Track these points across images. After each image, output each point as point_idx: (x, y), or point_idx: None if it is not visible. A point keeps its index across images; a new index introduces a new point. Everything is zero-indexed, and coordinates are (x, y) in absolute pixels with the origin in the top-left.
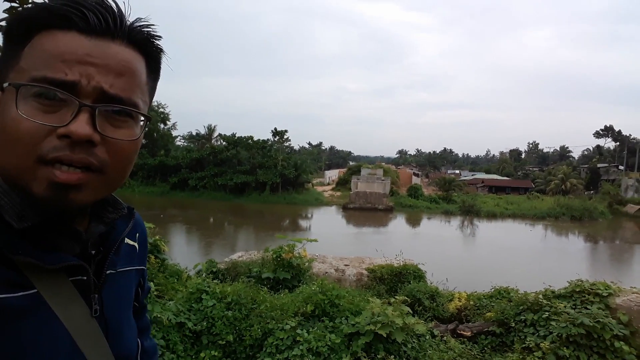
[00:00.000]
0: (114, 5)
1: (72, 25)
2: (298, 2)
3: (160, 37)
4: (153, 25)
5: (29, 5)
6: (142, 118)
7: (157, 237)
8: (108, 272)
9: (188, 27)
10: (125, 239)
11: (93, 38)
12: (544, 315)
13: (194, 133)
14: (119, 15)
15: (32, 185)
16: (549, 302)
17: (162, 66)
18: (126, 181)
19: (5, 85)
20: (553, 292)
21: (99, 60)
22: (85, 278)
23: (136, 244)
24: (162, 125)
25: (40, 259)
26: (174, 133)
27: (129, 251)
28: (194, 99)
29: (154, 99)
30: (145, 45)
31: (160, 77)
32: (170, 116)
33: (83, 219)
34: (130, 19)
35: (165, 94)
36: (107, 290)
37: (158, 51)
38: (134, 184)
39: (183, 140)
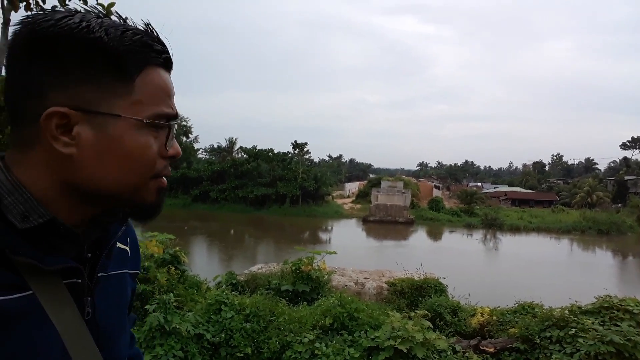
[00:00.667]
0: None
1: (163, 62)
2: (317, 16)
3: None
4: None
5: (130, 35)
6: None
7: (177, 249)
8: (99, 274)
9: (210, 43)
10: (117, 242)
11: (168, 72)
12: (570, 332)
13: (215, 146)
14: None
15: (145, 195)
16: (575, 319)
17: None
18: None
19: (146, 121)
20: (580, 307)
21: (174, 92)
22: (79, 281)
23: (127, 248)
24: (184, 138)
25: (40, 261)
26: (196, 146)
27: (120, 255)
28: (215, 112)
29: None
30: None
31: (183, 92)
32: (192, 129)
33: (84, 222)
34: None
35: (188, 107)
36: (99, 293)
37: None
38: None
39: (205, 153)
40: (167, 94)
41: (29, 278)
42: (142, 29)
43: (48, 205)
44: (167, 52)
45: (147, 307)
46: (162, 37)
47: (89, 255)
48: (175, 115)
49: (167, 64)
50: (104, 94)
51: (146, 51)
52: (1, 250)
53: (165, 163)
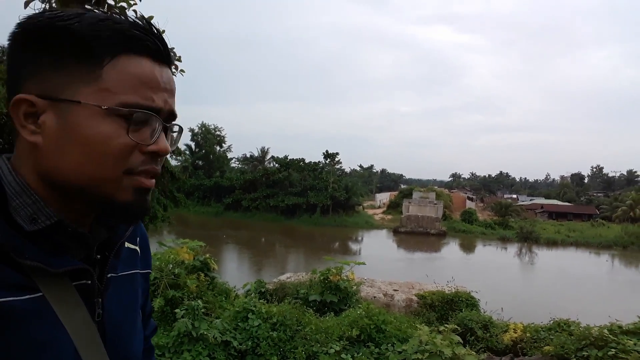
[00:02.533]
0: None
1: (147, 51)
2: (350, 27)
3: None
4: None
5: (105, 23)
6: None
7: (207, 256)
8: (109, 275)
9: (244, 54)
10: (126, 242)
11: (161, 65)
12: (609, 353)
13: (247, 155)
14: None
15: (117, 194)
16: (615, 338)
17: None
18: (182, 201)
19: (105, 107)
20: (620, 327)
21: (169, 86)
22: (89, 282)
23: (137, 248)
24: (218, 148)
25: (47, 263)
26: (229, 155)
27: (129, 255)
28: (248, 122)
29: (211, 123)
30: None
31: (218, 102)
32: (225, 139)
33: (87, 222)
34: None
35: (222, 117)
36: (109, 294)
37: None
38: (190, 203)
39: (237, 162)
40: (146, 84)
41: (38, 280)
42: (131, 20)
43: (54, 205)
44: (151, 41)
45: (176, 311)
46: (163, 35)
47: (98, 256)
48: (158, 109)
49: (158, 56)
50: (70, 81)
51: (121, 38)
52: (8, 253)
53: (143, 158)
